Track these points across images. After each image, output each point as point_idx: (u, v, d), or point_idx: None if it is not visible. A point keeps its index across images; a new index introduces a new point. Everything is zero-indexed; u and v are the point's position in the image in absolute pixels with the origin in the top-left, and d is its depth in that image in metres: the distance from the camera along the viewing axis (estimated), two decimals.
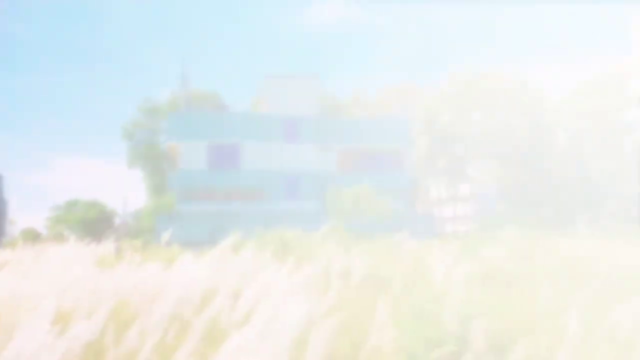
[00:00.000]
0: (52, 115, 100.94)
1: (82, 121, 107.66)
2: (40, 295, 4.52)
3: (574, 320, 4.16)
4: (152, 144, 51.29)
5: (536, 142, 44.64)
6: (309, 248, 10.76)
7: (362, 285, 7.12)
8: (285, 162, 34.82)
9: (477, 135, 45.92)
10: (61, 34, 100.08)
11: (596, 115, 42.63)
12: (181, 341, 3.26)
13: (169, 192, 41.16)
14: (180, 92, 36.60)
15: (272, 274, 5.54)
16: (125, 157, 51.75)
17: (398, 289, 6.55)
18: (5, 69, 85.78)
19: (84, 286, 4.63)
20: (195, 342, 3.00)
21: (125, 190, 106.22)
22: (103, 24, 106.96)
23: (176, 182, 34.02)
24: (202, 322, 3.58)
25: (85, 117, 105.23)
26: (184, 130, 33.79)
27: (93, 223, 51.78)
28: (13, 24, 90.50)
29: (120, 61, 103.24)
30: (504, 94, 44.87)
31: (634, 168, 42.18)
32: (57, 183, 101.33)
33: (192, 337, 3.04)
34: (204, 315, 3.87)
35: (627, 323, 4.62)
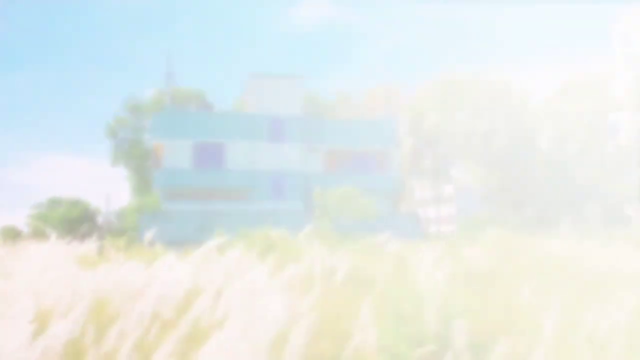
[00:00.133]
0: (33, 112, 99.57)
1: (64, 119, 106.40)
2: (19, 294, 4.47)
3: (552, 320, 4.22)
4: (136, 142, 50.91)
5: (519, 143, 45.10)
6: (293, 248, 10.77)
7: (345, 285, 7.15)
8: (270, 161, 34.77)
9: (461, 136, 46.27)
10: (43, 30, 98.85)
11: (579, 117, 43.19)
12: (162, 341, 3.25)
13: (153, 191, 40.88)
14: (165, 90, 36.36)
15: (255, 273, 5.53)
16: (109, 155, 51.32)
17: (381, 289, 6.58)
18: None
19: (64, 285, 4.59)
20: (176, 341, 3.00)
21: (108, 188, 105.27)
22: (86, 20, 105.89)
23: (160, 181, 33.79)
24: (183, 322, 3.57)
25: (68, 115, 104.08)
26: (168, 128, 33.57)
27: (75, 221, 51.23)
28: None
29: (104, 58, 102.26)
30: (488, 96, 45.27)
31: (617, 170, 42.82)
32: (38, 181, 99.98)
33: (173, 337, 3.04)
34: (185, 315, 3.86)
35: (604, 323, 4.70)
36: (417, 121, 48.39)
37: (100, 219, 53.13)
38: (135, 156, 50.58)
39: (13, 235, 37.97)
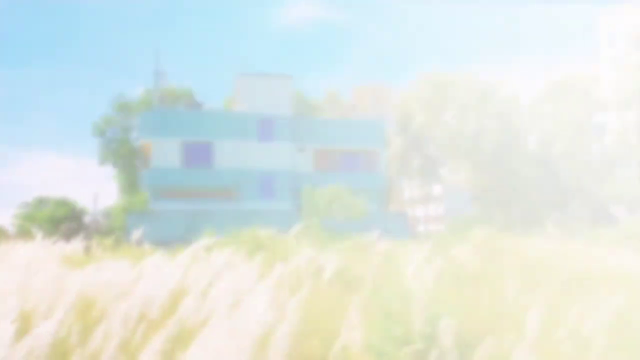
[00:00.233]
0: (20, 110, 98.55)
1: (51, 117, 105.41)
2: (3, 294, 4.42)
3: (536, 318, 4.26)
4: (124, 141, 50.54)
5: (507, 144, 45.43)
6: (282, 247, 10.76)
7: (334, 284, 7.16)
8: (259, 161, 34.69)
9: (449, 137, 46.52)
10: (31, 28, 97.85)
11: (565, 118, 43.59)
12: (148, 341, 3.24)
13: (141, 190, 40.61)
14: (154, 89, 36.13)
15: (243, 273, 5.53)
16: (97, 154, 50.89)
17: (369, 288, 6.60)
18: None
19: (48, 285, 4.56)
20: (162, 341, 2.99)
21: (96, 187, 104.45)
22: (75, 18, 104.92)
23: (148, 180, 33.59)
24: (170, 322, 3.56)
25: (55, 113, 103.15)
26: (157, 127, 33.37)
27: (62, 221, 50.75)
28: None
29: (93, 56, 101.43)
30: (476, 96, 45.54)
31: (602, 171, 43.29)
32: (25, 180, 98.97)
33: (159, 337, 3.03)
34: (172, 315, 3.85)
35: (588, 322, 4.76)
36: (405, 121, 48.57)
37: (87, 219, 52.70)
38: (123, 155, 50.22)
39: None
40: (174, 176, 33.26)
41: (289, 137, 35.37)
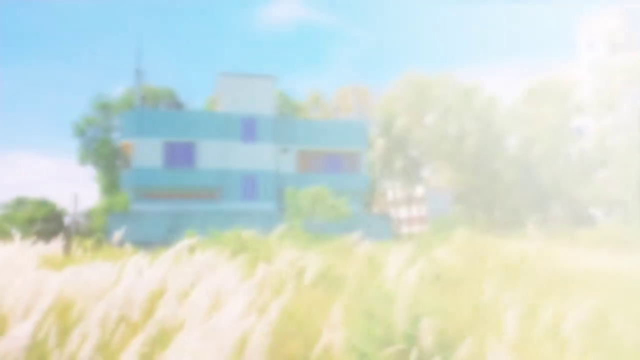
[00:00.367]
0: None
1: (30, 116, 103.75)
2: None
3: (517, 318, 4.31)
4: (105, 141, 49.97)
5: (488, 146, 45.92)
6: (265, 248, 10.73)
7: (316, 285, 7.16)
8: (242, 161, 34.54)
9: (431, 138, 46.88)
10: (8, 26, 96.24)
11: (544, 121, 44.19)
12: (127, 343, 3.20)
13: (122, 190, 40.16)
14: (135, 88, 35.74)
15: (226, 274, 5.50)
16: (77, 154, 50.22)
17: (351, 289, 6.61)
18: None
19: (26, 286, 4.48)
20: (141, 343, 2.95)
21: (76, 188, 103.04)
22: (54, 17, 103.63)
23: (130, 180, 33.24)
24: (149, 324, 3.52)
25: (34, 112, 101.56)
26: (138, 127, 33.03)
27: (42, 222, 49.99)
28: None
29: (72, 55, 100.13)
30: (457, 98, 45.97)
31: (581, 173, 43.96)
32: (3, 180, 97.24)
33: (138, 339, 2.99)
34: (151, 316, 3.81)
35: (566, 321, 4.82)
36: (388, 123, 48.82)
37: (67, 220, 51.96)
38: (104, 155, 49.65)
39: None
40: (155, 176, 32.96)
41: (272, 137, 35.30)
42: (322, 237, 16.39)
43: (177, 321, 4.03)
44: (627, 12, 63.69)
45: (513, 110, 47.38)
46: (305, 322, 5.07)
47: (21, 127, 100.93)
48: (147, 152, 32.81)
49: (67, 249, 13.57)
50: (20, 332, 2.85)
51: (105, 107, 50.21)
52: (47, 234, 26.29)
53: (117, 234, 11.91)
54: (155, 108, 43.48)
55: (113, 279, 5.36)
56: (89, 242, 16.04)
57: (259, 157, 34.91)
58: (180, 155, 33.51)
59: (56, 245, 13.86)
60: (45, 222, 50.58)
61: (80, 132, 49.69)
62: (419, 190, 57.25)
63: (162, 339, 3.55)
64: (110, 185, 49.27)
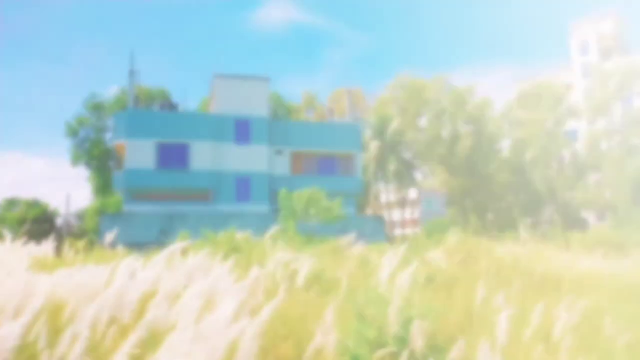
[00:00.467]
0: None
1: (23, 117, 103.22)
2: None
3: (507, 320, 4.32)
4: (97, 142, 49.75)
5: (481, 149, 46.08)
6: (258, 250, 10.71)
7: (309, 287, 7.15)
8: (235, 163, 34.47)
9: (425, 141, 46.98)
10: (0, 26, 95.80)
11: (537, 124, 44.39)
12: (118, 345, 3.18)
13: (115, 192, 39.97)
14: (128, 89, 35.59)
15: (218, 276, 5.48)
16: (69, 154, 49.97)
17: (344, 291, 6.61)
18: None
19: (16, 287, 4.44)
20: (132, 345, 2.94)
21: (68, 189, 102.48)
22: (46, 17, 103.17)
23: (122, 181, 33.06)
24: (140, 326, 3.50)
25: (27, 113, 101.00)
26: (131, 128, 32.88)
27: (34, 223, 49.71)
28: None
29: (66, 56, 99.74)
30: (450, 101, 46.11)
31: (574, 177, 44.18)
32: None
33: (129, 341, 2.98)
34: (142, 318, 3.79)
35: (558, 323, 4.84)
36: (381, 125, 48.91)
37: (59, 221, 51.69)
38: (97, 156, 49.42)
39: None
40: (148, 178, 32.82)
41: (266, 139, 35.25)
42: (315, 239, 16.38)
43: (168, 323, 4.01)
44: (620, 17, 64.19)
45: (506, 114, 47.58)
46: (298, 325, 5.06)
47: (14, 127, 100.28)
48: (140, 153, 32.67)
49: (58, 250, 13.47)
50: (9, 333, 2.83)
51: (98, 108, 50.02)
52: (38, 235, 26.12)
53: (110, 236, 11.85)
54: (148, 109, 43.34)
55: (105, 281, 5.33)
56: (81, 244, 15.94)
57: (252, 159, 34.85)
58: (173, 156, 33.39)
59: (48, 246, 13.76)
60: (37, 222, 50.27)
61: (73, 132, 49.45)
62: (413, 193, 57.35)
63: (153, 341, 3.53)
64: (103, 186, 49.05)
